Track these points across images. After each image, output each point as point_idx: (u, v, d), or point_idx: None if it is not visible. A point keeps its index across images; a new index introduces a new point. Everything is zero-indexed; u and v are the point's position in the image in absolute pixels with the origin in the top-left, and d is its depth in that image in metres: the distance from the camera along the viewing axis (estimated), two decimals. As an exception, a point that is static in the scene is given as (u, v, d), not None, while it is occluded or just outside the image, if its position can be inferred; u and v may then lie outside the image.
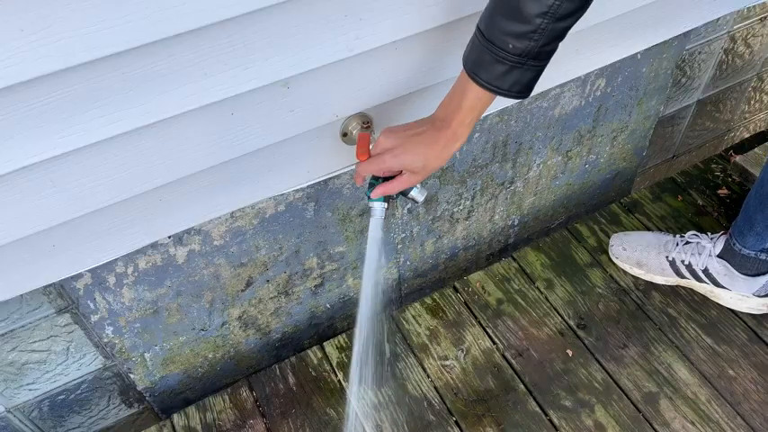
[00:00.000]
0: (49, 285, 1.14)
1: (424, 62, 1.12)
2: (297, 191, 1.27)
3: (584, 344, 1.52)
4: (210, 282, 1.33)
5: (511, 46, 0.81)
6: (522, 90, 0.87)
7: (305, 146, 1.15)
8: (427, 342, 1.55)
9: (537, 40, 0.81)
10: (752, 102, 2.07)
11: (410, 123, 0.97)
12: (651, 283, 1.62)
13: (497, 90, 0.86)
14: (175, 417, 1.46)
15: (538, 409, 1.43)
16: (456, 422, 1.42)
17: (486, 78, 0.85)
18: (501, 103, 1.35)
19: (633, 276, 1.64)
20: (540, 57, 0.84)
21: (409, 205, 1.48)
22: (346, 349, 1.55)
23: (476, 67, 0.86)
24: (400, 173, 0.98)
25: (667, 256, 1.55)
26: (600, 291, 1.63)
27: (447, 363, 1.51)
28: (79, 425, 1.47)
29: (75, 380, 1.36)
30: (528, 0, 0.77)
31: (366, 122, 1.14)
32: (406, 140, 0.94)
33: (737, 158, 1.75)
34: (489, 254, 1.84)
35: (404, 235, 1.55)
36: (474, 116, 0.91)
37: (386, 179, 1.07)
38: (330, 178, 1.29)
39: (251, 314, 1.47)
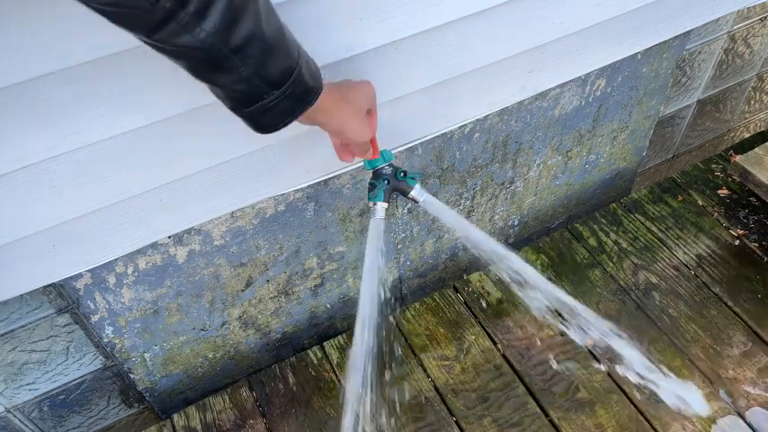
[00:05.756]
0: (49, 285, 1.14)
1: (422, 64, 1.12)
2: (297, 191, 1.27)
3: (585, 343, 1.52)
4: (210, 282, 1.33)
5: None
6: None
7: (305, 146, 1.15)
8: (427, 342, 1.55)
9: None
10: (752, 102, 2.07)
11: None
12: (651, 282, 1.63)
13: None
14: (175, 417, 1.46)
15: (538, 409, 1.43)
16: (456, 422, 1.42)
17: None
18: (501, 103, 1.35)
19: (633, 276, 1.64)
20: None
21: (409, 205, 1.48)
22: (346, 349, 1.55)
23: None
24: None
25: None
26: (600, 291, 1.63)
27: (447, 363, 1.51)
28: (79, 425, 1.47)
29: (75, 380, 1.36)
30: None
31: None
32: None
33: (737, 158, 1.74)
34: (489, 254, 1.84)
35: (404, 235, 1.55)
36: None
37: (387, 181, 1.08)
38: (330, 178, 1.29)
39: (251, 314, 1.47)
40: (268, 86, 0.73)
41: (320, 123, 0.88)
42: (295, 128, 1.09)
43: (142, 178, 1.01)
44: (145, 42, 0.64)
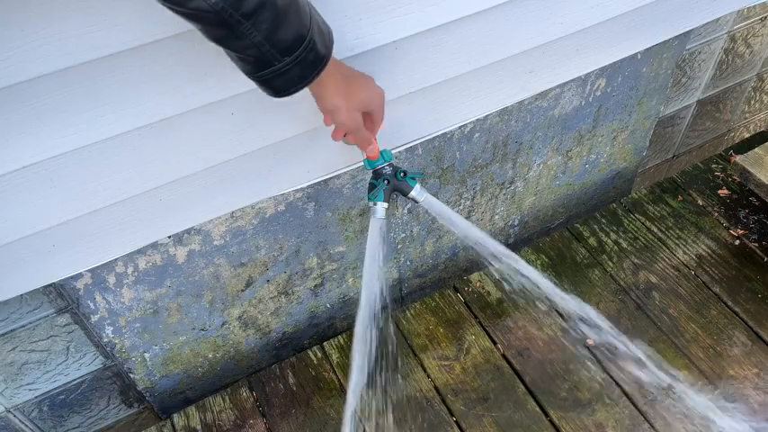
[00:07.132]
0: (49, 285, 1.14)
1: (422, 64, 1.12)
2: (297, 191, 1.27)
3: (585, 344, 1.52)
4: (210, 282, 1.33)
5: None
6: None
7: (305, 146, 1.15)
8: (427, 342, 1.55)
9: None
10: (752, 102, 2.07)
11: None
12: (651, 282, 1.63)
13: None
14: (175, 417, 1.46)
15: (538, 409, 1.43)
16: (456, 422, 1.42)
17: None
18: (501, 102, 1.35)
19: (633, 276, 1.64)
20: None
21: (409, 205, 1.48)
22: (346, 349, 1.55)
23: None
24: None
25: None
26: (600, 290, 1.63)
27: (447, 363, 1.51)
28: (79, 425, 1.47)
29: (75, 380, 1.36)
30: None
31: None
32: None
33: (737, 158, 1.74)
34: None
35: (404, 235, 1.55)
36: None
37: (387, 181, 1.08)
38: (330, 178, 1.29)
39: (251, 314, 1.47)
40: (279, 53, 0.74)
41: (314, 95, 0.88)
42: (295, 127, 1.09)
43: (142, 178, 1.01)
44: (162, 4, 0.66)
